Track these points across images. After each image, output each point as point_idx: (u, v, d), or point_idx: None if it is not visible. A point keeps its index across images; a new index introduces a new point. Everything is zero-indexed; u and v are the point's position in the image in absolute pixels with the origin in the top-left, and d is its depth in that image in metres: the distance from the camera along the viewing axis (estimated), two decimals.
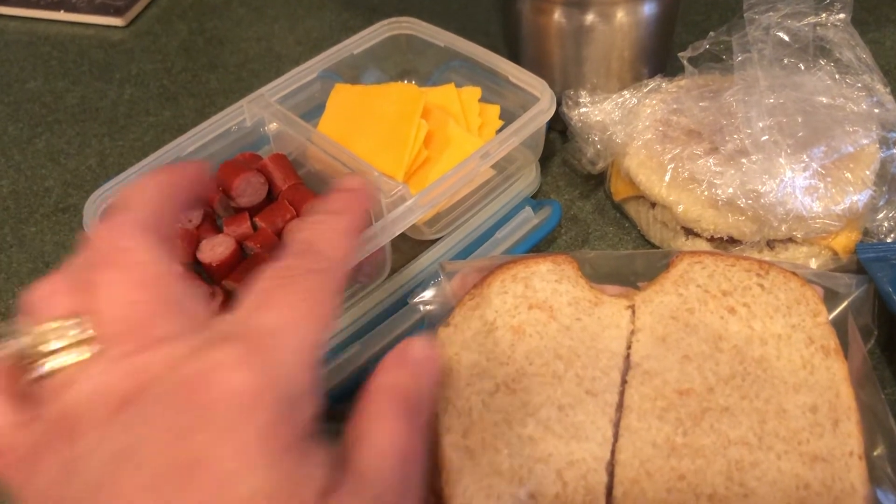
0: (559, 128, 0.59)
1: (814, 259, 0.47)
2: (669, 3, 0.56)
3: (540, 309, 0.42)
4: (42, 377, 0.27)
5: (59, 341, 0.27)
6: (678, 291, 0.42)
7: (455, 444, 0.37)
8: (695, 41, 0.53)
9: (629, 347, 0.40)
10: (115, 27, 0.79)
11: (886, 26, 0.68)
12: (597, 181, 0.57)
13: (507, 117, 0.55)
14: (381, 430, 0.29)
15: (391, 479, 0.28)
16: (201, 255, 0.49)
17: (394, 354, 0.32)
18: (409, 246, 0.51)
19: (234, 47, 0.76)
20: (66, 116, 0.70)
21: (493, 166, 0.53)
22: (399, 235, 0.46)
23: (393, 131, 0.52)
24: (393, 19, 0.60)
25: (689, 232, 0.49)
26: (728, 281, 0.42)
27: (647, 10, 0.55)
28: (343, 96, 0.57)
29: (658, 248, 0.52)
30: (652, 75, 0.56)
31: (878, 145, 0.48)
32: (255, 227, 0.51)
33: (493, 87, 0.57)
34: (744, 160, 0.46)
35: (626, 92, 0.54)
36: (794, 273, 0.42)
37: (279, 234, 0.50)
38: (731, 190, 0.46)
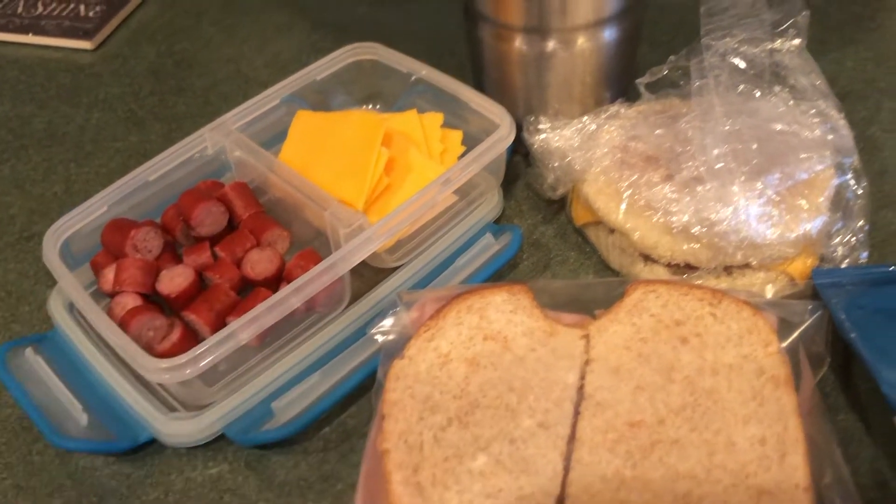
0: (524, 151, 0.59)
1: (771, 285, 0.48)
2: (630, 28, 0.56)
3: (494, 340, 0.42)
4: None
5: None
6: (632, 321, 0.42)
7: (405, 480, 0.37)
8: (661, 61, 0.53)
9: (583, 378, 0.41)
10: (84, 50, 0.79)
11: (848, 46, 0.69)
12: (559, 205, 0.57)
13: (471, 142, 0.55)
14: None
15: None
16: (160, 286, 0.49)
17: None
18: (370, 273, 0.51)
19: (202, 69, 0.76)
20: (32, 142, 0.69)
21: (455, 191, 0.53)
22: (360, 263, 0.47)
23: (354, 159, 0.53)
24: (356, 45, 0.61)
25: (648, 258, 0.49)
26: (681, 310, 0.42)
27: (608, 35, 0.55)
28: (305, 123, 0.57)
29: (617, 273, 0.52)
30: (614, 99, 0.57)
31: (832, 171, 0.49)
32: (215, 256, 0.51)
33: (457, 111, 0.57)
34: (699, 188, 0.47)
35: (585, 118, 0.54)
36: (746, 302, 0.42)
37: (238, 263, 0.50)
38: (685, 217, 0.46)
